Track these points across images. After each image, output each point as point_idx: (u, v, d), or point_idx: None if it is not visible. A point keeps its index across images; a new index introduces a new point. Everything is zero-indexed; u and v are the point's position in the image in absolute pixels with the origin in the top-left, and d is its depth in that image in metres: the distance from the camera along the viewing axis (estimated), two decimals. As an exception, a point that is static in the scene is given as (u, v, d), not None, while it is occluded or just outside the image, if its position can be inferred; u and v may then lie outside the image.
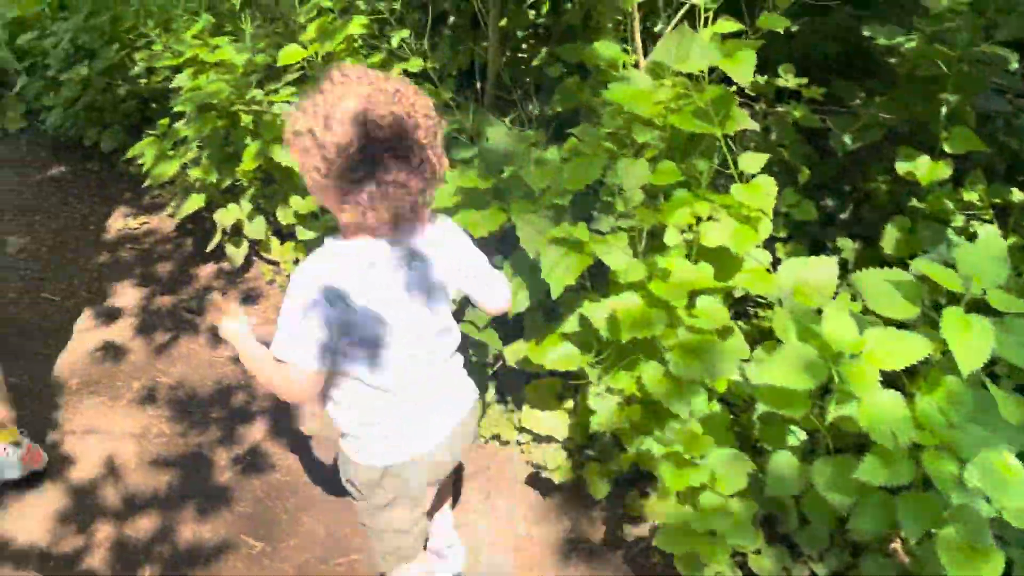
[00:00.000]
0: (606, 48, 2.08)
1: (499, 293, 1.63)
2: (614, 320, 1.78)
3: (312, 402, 1.58)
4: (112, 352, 2.79)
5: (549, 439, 2.29)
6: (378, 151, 1.29)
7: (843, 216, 2.77)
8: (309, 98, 1.32)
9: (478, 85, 2.86)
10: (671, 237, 1.83)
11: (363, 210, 1.33)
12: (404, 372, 1.48)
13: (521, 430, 2.34)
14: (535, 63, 2.89)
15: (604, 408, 1.91)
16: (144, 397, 2.60)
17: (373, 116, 1.28)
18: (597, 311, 1.85)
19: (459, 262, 1.56)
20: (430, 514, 1.95)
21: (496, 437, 2.35)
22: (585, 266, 1.77)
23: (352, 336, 1.41)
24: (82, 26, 3.61)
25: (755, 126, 1.85)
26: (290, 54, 2.61)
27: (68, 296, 3.09)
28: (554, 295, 1.79)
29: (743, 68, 1.75)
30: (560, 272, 1.78)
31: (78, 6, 3.75)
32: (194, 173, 2.94)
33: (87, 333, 2.89)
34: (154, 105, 3.84)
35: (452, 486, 2.07)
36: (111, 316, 2.97)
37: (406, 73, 2.67)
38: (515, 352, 2.13)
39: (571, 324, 1.98)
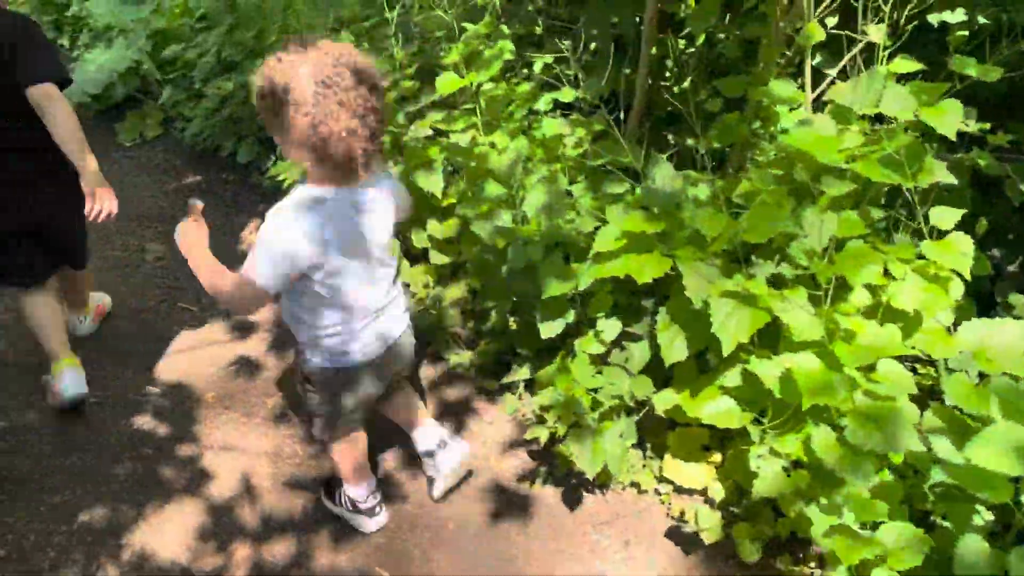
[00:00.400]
0: (782, 87, 1.97)
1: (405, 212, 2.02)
2: (790, 381, 1.67)
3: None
4: (247, 367, 2.83)
5: (692, 492, 2.19)
6: (331, 107, 1.56)
7: (1011, 268, 2.57)
8: (269, 67, 1.59)
9: (621, 115, 2.79)
10: (857, 296, 1.70)
11: (320, 158, 1.62)
12: (358, 294, 1.84)
13: (661, 480, 2.24)
14: (680, 92, 2.80)
15: (768, 472, 1.80)
16: (277, 416, 2.62)
17: (322, 78, 1.55)
18: (767, 368, 1.74)
19: (395, 207, 1.90)
20: (407, 421, 2.28)
21: (635, 485, 2.26)
22: (762, 323, 1.67)
23: (318, 265, 1.71)
24: (227, 39, 3.71)
25: (953, 180, 1.71)
26: (448, 83, 2.59)
27: (204, 307, 3.16)
28: (725, 352, 1.69)
29: (948, 120, 1.62)
30: (732, 328, 1.69)
31: (220, 18, 3.86)
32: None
33: (222, 346, 2.94)
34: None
35: (414, 402, 2.29)
36: (245, 330, 3.02)
37: (558, 104, 2.61)
38: (664, 401, 2.04)
39: (732, 378, 1.87)
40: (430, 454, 2.26)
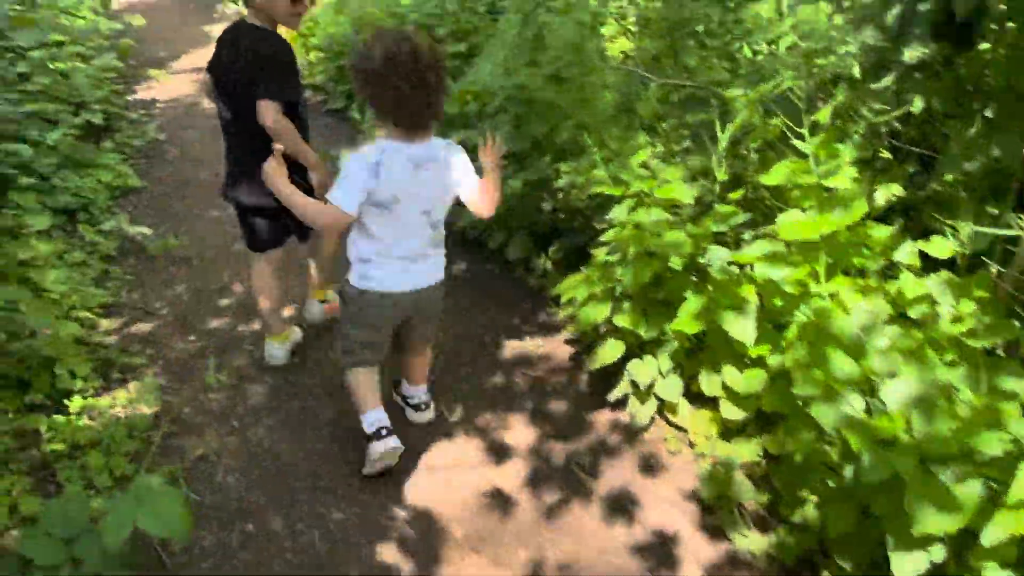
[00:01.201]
0: None
1: (486, 202, 2.42)
2: None
3: (335, 233, 2.87)
4: (500, 502, 2.52)
5: None
6: (396, 91, 2.15)
7: None
8: (357, 48, 2.24)
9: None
10: None
11: (394, 118, 2.21)
12: (398, 234, 2.33)
13: None
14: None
15: None
16: (529, 573, 2.27)
17: (390, 55, 2.13)
18: None
19: (456, 171, 2.36)
20: (407, 376, 2.82)
21: None
22: None
23: (375, 199, 2.25)
24: (515, 132, 3.57)
25: None
26: (795, 226, 2.16)
27: (463, 419, 2.92)
28: None
29: None
30: None
31: (511, 107, 3.73)
32: (619, 321, 2.63)
33: (475, 469, 2.66)
34: (562, 216, 3.70)
35: (423, 366, 2.79)
36: (501, 454, 2.74)
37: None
38: None
39: None
40: (412, 405, 2.84)
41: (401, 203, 2.27)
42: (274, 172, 2.36)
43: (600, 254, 2.89)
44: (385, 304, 2.42)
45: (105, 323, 3.45)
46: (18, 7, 5.12)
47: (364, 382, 2.55)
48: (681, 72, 4.29)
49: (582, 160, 3.21)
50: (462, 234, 4.23)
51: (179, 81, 6.88)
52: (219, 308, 3.65)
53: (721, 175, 2.82)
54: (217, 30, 3.09)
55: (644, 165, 2.87)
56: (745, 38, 4.74)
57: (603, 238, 2.90)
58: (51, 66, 4.83)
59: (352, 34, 5.87)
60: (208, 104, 6.44)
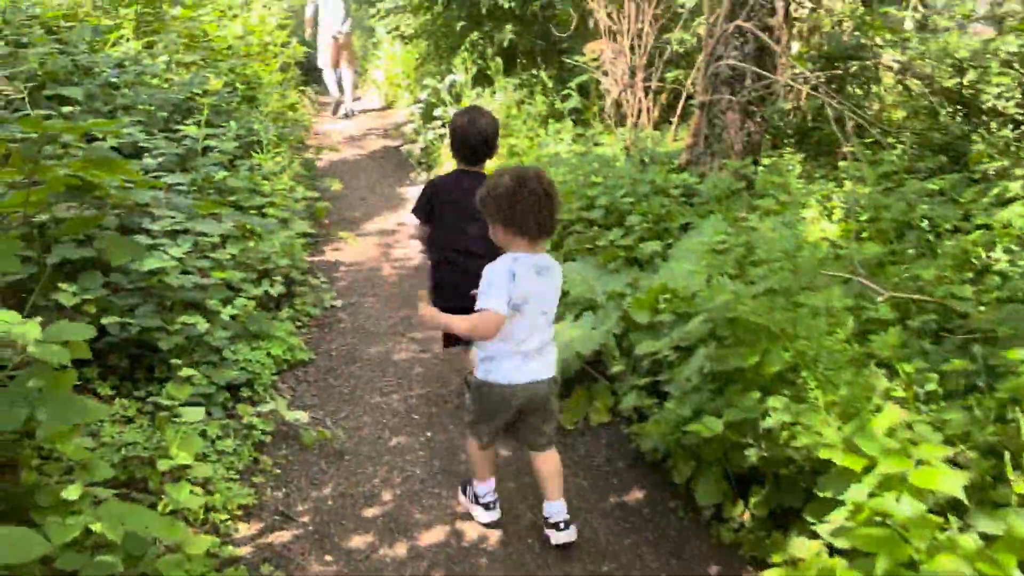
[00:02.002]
0: None
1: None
2: None
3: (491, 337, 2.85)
4: None
5: None
6: (523, 207, 2.72)
7: None
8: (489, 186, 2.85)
9: None
10: None
11: (523, 229, 2.76)
12: (524, 333, 2.82)
13: None
14: None
15: None
16: None
17: (516, 184, 2.73)
18: None
19: (560, 282, 2.94)
20: (544, 491, 3.10)
21: None
22: None
23: (511, 302, 2.74)
24: (715, 355, 3.05)
25: None
26: None
27: None
28: None
29: None
30: None
31: (708, 328, 3.23)
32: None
33: None
34: (768, 457, 3.07)
35: (554, 473, 3.08)
36: None
37: None
38: None
39: None
40: (550, 525, 3.05)
41: (529, 304, 2.79)
42: (423, 313, 2.95)
43: (816, 546, 2.24)
44: (504, 394, 2.88)
45: (243, 527, 3.16)
46: (223, 172, 5.32)
47: (481, 454, 3.12)
48: (909, 285, 3.65)
49: (800, 405, 2.62)
50: (639, 455, 3.67)
51: (366, 244, 6.98)
52: (363, 521, 3.27)
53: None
54: (412, 193, 3.48)
55: (891, 431, 2.24)
56: (990, 247, 4.05)
57: (829, 518, 2.26)
58: (243, 234, 4.92)
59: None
60: (388, 270, 6.45)
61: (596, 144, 6.33)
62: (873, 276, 3.71)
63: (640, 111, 6.24)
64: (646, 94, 6.26)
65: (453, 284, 3.60)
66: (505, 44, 8.71)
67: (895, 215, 4.33)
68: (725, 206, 5.31)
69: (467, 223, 3.65)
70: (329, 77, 14.12)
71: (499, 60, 8.33)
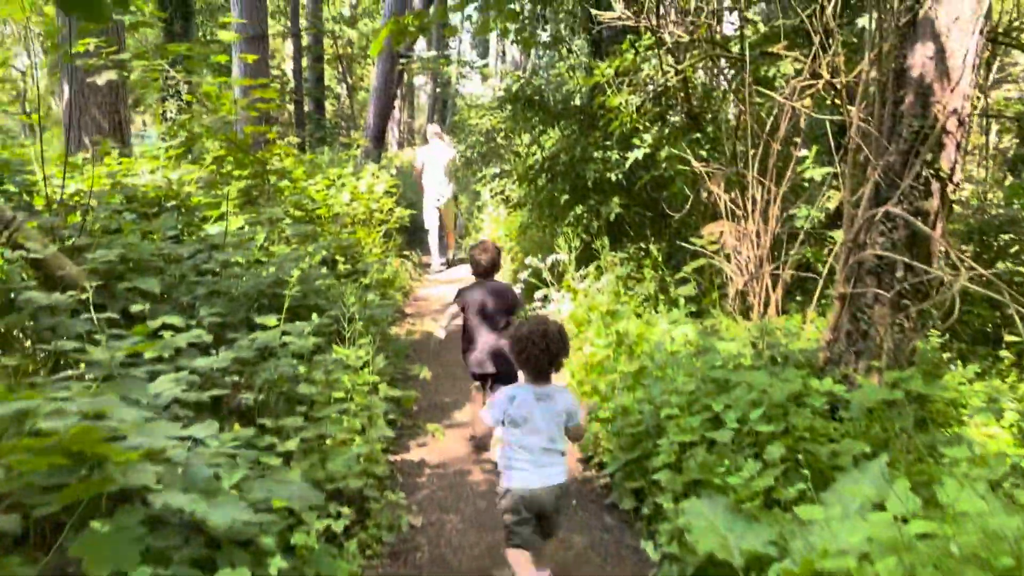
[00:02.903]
0: None
1: (578, 433, 3.96)
2: None
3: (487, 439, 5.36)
4: None
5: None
6: (527, 356, 3.78)
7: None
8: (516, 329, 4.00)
9: None
10: None
11: (526, 369, 3.83)
12: (529, 447, 3.70)
13: None
14: None
15: None
16: None
17: (530, 333, 3.79)
18: None
19: (564, 408, 3.80)
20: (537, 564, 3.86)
21: None
22: None
23: (511, 418, 3.72)
24: None
25: None
26: None
27: None
28: None
29: None
30: None
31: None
32: None
33: None
34: None
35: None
36: None
37: None
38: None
39: None
40: None
41: (529, 422, 3.73)
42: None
43: None
44: (524, 497, 3.71)
45: None
46: (298, 368, 4.80)
47: (520, 560, 3.74)
48: None
49: None
50: None
51: (454, 439, 6.27)
52: None
53: None
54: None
55: None
56: None
57: None
58: (312, 447, 4.31)
59: (651, 423, 4.85)
60: (477, 474, 5.69)
61: (717, 335, 5.55)
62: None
63: (768, 302, 5.46)
64: (774, 285, 5.50)
65: None
66: (611, 218, 8.22)
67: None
68: (881, 424, 4.38)
69: None
70: (432, 239, 14.08)
71: (606, 239, 7.81)
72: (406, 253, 14.00)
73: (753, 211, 5.43)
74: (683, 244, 5.49)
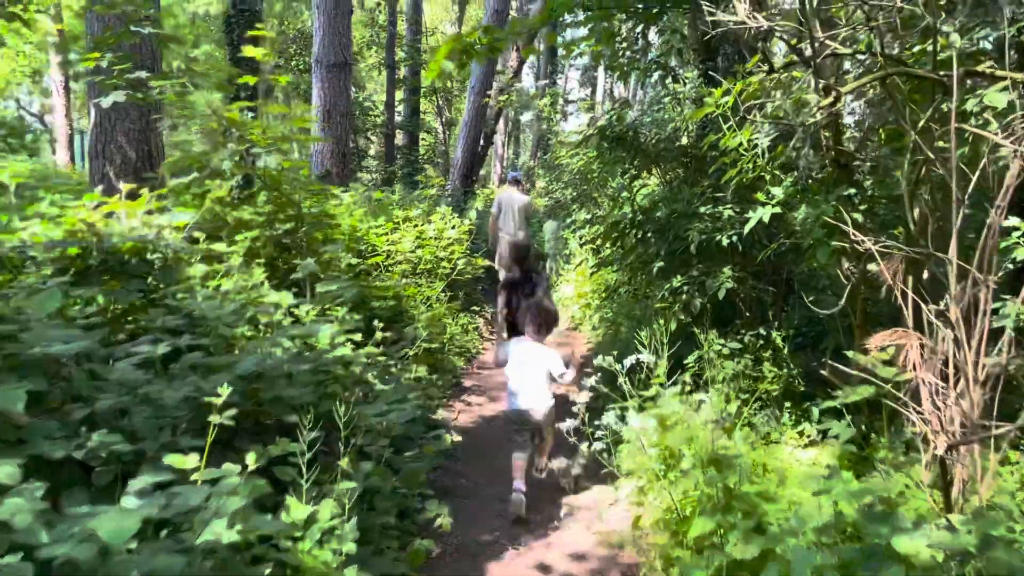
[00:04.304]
0: None
1: (564, 377, 5.66)
2: None
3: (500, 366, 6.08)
4: None
5: None
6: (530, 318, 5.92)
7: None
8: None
9: None
10: None
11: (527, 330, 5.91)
12: (515, 381, 5.71)
13: None
14: None
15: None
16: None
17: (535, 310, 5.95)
18: None
19: (549, 365, 5.65)
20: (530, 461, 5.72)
21: None
22: None
23: (511, 361, 5.79)
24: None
25: None
26: None
27: None
28: None
29: None
30: None
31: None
32: None
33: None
34: None
35: (542, 447, 5.96)
36: None
37: None
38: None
39: None
40: (537, 470, 6.00)
41: (523, 365, 5.63)
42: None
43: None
44: (513, 418, 5.67)
45: None
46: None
47: (517, 464, 5.53)
48: None
49: None
50: None
51: None
52: None
53: None
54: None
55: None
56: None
57: None
58: None
59: None
60: None
61: (893, 519, 3.36)
62: None
63: (977, 475, 3.27)
64: (994, 448, 3.30)
65: None
66: (720, 295, 6.16)
67: None
68: None
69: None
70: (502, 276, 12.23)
71: (714, 333, 5.79)
72: (475, 308, 12.25)
73: (962, 319, 3.31)
74: (833, 362, 3.45)
